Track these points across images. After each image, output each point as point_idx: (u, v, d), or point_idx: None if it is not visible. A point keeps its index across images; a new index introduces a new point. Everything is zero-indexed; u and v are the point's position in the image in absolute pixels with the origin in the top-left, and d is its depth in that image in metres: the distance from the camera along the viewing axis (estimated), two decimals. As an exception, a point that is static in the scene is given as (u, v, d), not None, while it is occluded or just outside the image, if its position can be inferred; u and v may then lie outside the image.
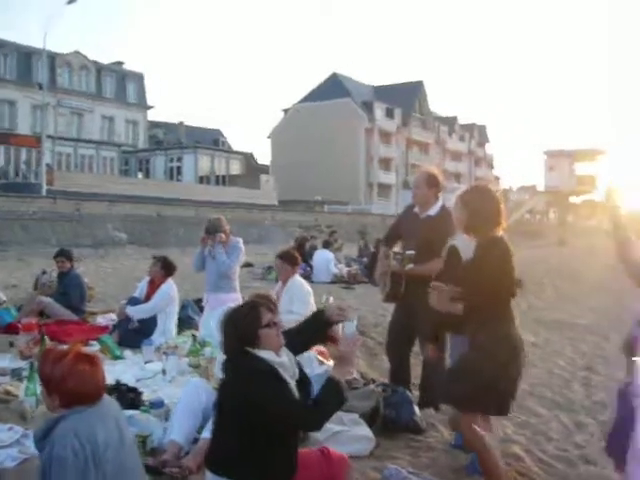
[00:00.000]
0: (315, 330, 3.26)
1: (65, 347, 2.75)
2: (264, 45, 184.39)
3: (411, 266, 4.75)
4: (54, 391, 2.50)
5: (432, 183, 4.93)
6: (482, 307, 3.29)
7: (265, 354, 2.84)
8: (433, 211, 4.92)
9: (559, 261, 23.82)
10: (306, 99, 60.31)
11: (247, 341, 2.86)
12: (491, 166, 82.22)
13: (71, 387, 2.48)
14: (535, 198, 60.41)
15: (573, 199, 59.18)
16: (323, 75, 63.40)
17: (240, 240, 6.61)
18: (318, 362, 5.06)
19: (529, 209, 61.55)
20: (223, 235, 6.33)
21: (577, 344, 8.02)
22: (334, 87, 58.43)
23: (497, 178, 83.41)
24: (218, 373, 4.37)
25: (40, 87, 32.56)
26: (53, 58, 43.70)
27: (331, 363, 5.11)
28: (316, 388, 3.01)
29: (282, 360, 2.88)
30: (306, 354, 4.87)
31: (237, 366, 2.87)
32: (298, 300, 5.97)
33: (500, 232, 3.43)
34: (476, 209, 3.41)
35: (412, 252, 4.78)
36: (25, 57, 44.30)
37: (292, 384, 2.87)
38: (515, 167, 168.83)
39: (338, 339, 3.11)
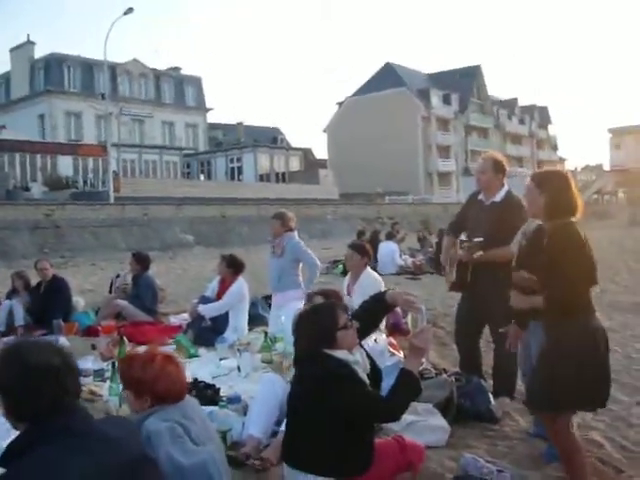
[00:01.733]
0: (376, 314, 3.28)
1: (143, 350, 2.88)
2: (317, 38, 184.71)
3: (480, 253, 4.66)
4: (146, 393, 2.62)
5: (498, 168, 4.83)
6: (561, 299, 3.14)
7: (340, 354, 2.87)
8: (499, 197, 4.83)
9: (631, 242, 23.08)
10: (361, 91, 59.92)
11: (324, 343, 2.88)
12: (555, 148, 79.94)
13: (163, 388, 2.61)
14: (603, 178, 58.53)
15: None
16: (377, 66, 62.79)
17: (294, 235, 6.58)
18: (389, 354, 5.10)
19: (597, 190, 59.78)
20: None
21: (655, 327, 7.76)
22: (388, 77, 57.88)
23: (562, 160, 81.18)
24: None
25: (103, 97, 33.40)
26: (113, 68, 44.88)
27: (402, 355, 5.13)
28: (387, 379, 3.04)
29: (356, 358, 2.91)
30: (377, 346, 4.92)
31: (313, 367, 2.87)
32: (371, 293, 5.94)
33: (575, 219, 3.25)
34: (555, 195, 3.24)
35: (481, 239, 4.68)
36: (87, 69, 45.81)
37: (364, 378, 2.90)
38: (580, 147, 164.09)
39: (406, 330, 3.13)
